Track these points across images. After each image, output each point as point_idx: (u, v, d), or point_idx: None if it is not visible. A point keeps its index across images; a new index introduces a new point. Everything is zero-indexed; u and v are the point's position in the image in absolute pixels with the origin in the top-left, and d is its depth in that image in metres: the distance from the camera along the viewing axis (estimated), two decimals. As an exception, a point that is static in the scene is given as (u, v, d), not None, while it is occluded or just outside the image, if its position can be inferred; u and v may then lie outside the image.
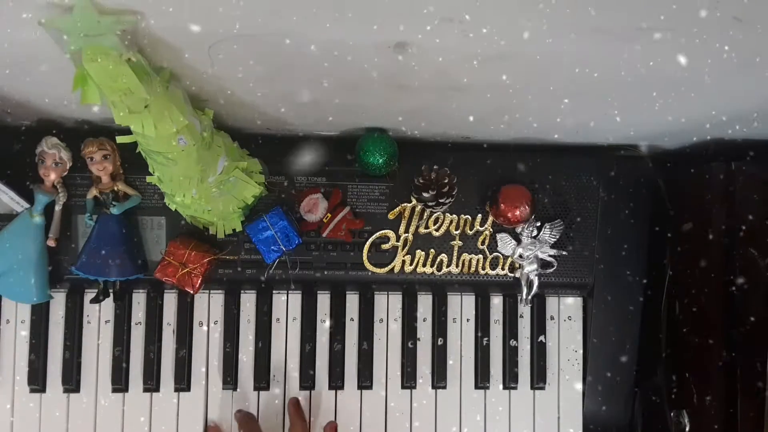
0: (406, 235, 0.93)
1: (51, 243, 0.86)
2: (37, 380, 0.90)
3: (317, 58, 0.60)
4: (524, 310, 0.98)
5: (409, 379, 0.95)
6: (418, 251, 0.93)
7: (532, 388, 0.98)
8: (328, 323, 0.95)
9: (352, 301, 0.96)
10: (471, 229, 0.94)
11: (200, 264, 0.86)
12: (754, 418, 0.82)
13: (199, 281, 0.86)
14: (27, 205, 0.85)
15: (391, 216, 0.93)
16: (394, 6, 0.49)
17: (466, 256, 0.94)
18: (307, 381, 0.94)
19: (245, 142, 0.86)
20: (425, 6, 0.49)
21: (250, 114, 0.81)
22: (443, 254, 0.94)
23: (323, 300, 0.95)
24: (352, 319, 0.96)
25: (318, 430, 0.93)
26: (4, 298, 0.90)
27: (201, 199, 0.77)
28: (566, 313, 0.99)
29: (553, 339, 0.99)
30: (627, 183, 0.95)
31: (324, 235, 0.90)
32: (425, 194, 0.88)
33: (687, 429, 0.88)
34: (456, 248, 0.94)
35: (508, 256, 0.94)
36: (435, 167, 0.89)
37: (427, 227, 0.93)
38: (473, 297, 0.98)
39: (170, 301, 0.93)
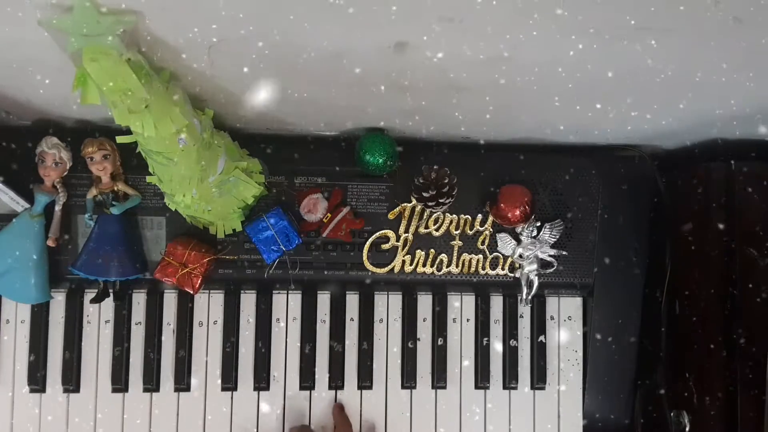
0: (406, 235, 0.93)
1: (51, 243, 0.86)
2: (37, 380, 0.90)
3: (317, 59, 0.60)
4: (524, 310, 0.98)
5: (409, 379, 0.95)
6: (418, 251, 0.93)
7: (532, 388, 0.98)
8: (328, 323, 0.95)
9: (352, 301, 0.96)
10: (471, 229, 0.94)
11: (200, 264, 0.86)
12: (754, 418, 0.82)
13: (199, 281, 0.86)
14: (27, 205, 0.85)
15: (391, 216, 0.93)
16: (394, 6, 0.49)
17: (466, 256, 0.94)
18: (307, 381, 0.94)
19: (245, 142, 0.86)
20: (426, 6, 0.49)
21: (250, 114, 0.81)
22: (443, 254, 0.94)
23: (323, 300, 0.95)
24: (352, 319, 0.96)
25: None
26: (4, 298, 0.90)
27: (201, 199, 0.77)
28: (566, 313, 0.99)
29: (553, 339, 0.99)
30: (627, 183, 0.95)
31: (324, 235, 0.90)
32: (425, 194, 0.88)
33: (687, 429, 0.88)
34: (456, 248, 0.94)
35: (508, 256, 0.94)
36: (435, 167, 0.89)
37: (427, 227, 0.93)
38: (473, 297, 0.98)
39: (170, 301, 0.93)
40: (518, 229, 0.93)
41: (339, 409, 0.93)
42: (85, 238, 0.87)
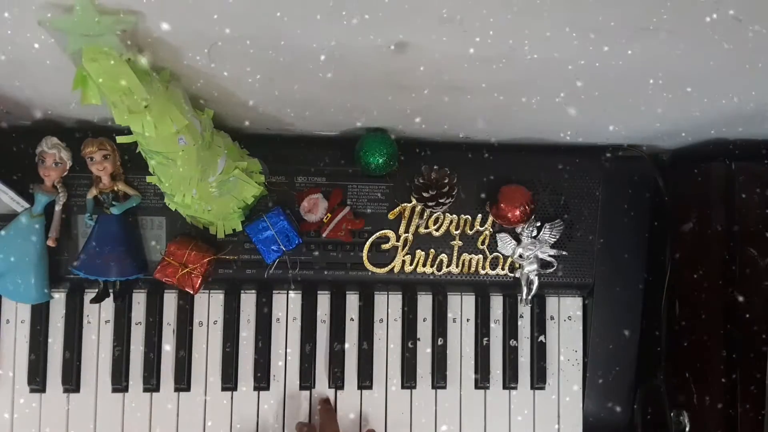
0: (406, 235, 0.93)
1: (51, 243, 0.86)
2: (37, 380, 0.90)
3: (317, 59, 0.60)
4: (524, 310, 0.98)
5: (409, 379, 0.95)
6: (418, 251, 0.93)
7: (532, 388, 0.98)
8: (328, 323, 0.95)
9: (352, 301, 0.96)
10: (471, 229, 0.94)
11: (200, 264, 0.86)
12: (754, 418, 0.82)
13: (199, 281, 0.86)
14: (27, 205, 0.85)
15: (391, 216, 0.93)
16: (394, 6, 0.49)
17: (466, 256, 0.94)
18: (307, 381, 0.94)
19: (245, 142, 0.86)
20: (425, 6, 0.49)
21: (250, 114, 0.81)
22: (443, 254, 0.94)
23: (323, 300, 0.95)
24: (352, 319, 0.96)
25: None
26: (4, 298, 0.90)
27: (201, 199, 0.77)
28: (566, 313, 0.99)
29: (553, 339, 0.99)
30: (627, 183, 0.95)
31: (324, 235, 0.90)
32: (425, 194, 0.88)
33: (687, 429, 0.88)
34: (456, 248, 0.94)
35: (508, 256, 0.94)
36: (435, 167, 0.89)
37: (427, 227, 0.93)
38: (473, 297, 0.98)
39: (170, 301, 0.93)
40: (518, 229, 0.93)
41: (325, 401, 0.93)
42: (85, 238, 0.87)
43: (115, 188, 0.86)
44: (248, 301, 0.94)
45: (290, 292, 0.95)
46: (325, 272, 0.93)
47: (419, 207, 0.92)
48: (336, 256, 0.92)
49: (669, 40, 0.55)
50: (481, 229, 0.94)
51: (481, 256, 0.94)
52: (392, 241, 0.93)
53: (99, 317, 0.92)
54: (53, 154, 0.83)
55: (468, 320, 0.98)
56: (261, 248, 0.88)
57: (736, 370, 0.83)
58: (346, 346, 0.95)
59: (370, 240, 0.92)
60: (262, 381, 0.93)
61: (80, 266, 0.85)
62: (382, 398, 0.96)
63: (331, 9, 0.49)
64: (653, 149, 0.98)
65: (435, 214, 0.93)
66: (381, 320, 0.96)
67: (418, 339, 0.96)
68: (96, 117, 0.84)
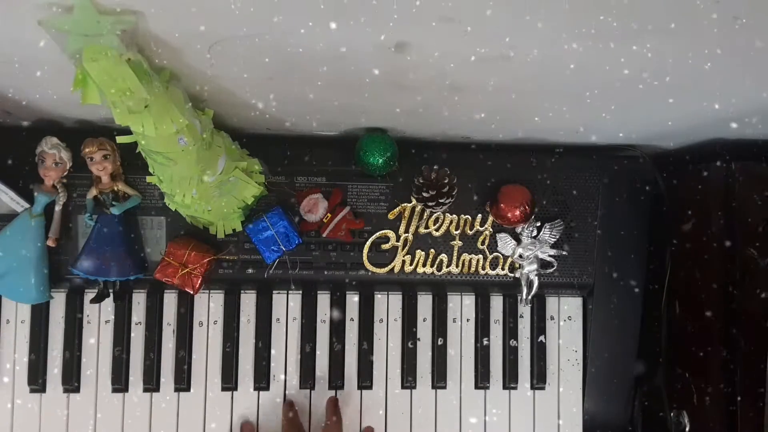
0: (406, 235, 0.93)
1: (51, 243, 0.86)
2: (37, 380, 0.90)
3: (317, 59, 0.60)
4: (524, 310, 0.98)
5: (409, 379, 0.95)
6: (418, 251, 0.93)
7: (532, 388, 0.98)
8: (328, 323, 0.95)
9: (352, 301, 0.96)
10: (471, 229, 0.94)
11: (200, 264, 0.86)
12: (754, 418, 0.82)
13: (199, 281, 0.86)
14: (27, 205, 0.85)
15: (391, 216, 0.93)
16: (394, 6, 0.49)
17: (466, 256, 0.94)
18: (307, 381, 0.94)
19: (245, 142, 0.86)
20: (426, 6, 0.49)
21: (250, 114, 0.81)
22: (443, 254, 0.94)
23: (323, 300, 0.95)
24: (352, 319, 0.96)
25: (317, 430, 0.94)
26: (4, 298, 0.90)
27: (201, 199, 0.77)
28: (566, 313, 0.99)
29: (553, 339, 0.99)
30: (627, 183, 0.95)
31: (324, 235, 0.90)
32: (425, 194, 0.88)
33: (687, 429, 0.88)
34: (456, 248, 0.94)
35: (508, 256, 0.94)
36: (435, 167, 0.89)
37: (427, 227, 0.93)
38: (473, 297, 0.98)
39: (170, 301, 0.93)
40: (518, 229, 0.93)
41: (333, 403, 0.93)
42: (85, 238, 0.87)
43: (115, 188, 0.86)
44: (248, 301, 0.94)
45: (290, 292, 0.95)
46: (325, 272, 0.93)
47: (419, 207, 0.92)
48: (336, 256, 0.92)
49: (669, 41, 0.55)
50: (481, 229, 0.94)
51: (481, 256, 0.94)
52: (392, 241, 0.93)
53: (99, 317, 0.92)
54: (53, 154, 0.83)
55: (468, 320, 0.98)
56: (261, 248, 0.88)
57: (736, 370, 0.83)
58: (346, 346, 0.95)
59: (370, 240, 0.92)
60: (262, 381, 0.93)
61: (80, 266, 0.85)
62: (382, 398, 0.96)
63: (331, 9, 0.49)
64: (653, 149, 0.98)
65: (435, 214, 0.93)
66: (381, 320, 0.96)
67: (418, 339, 0.96)
68: (96, 117, 0.84)
